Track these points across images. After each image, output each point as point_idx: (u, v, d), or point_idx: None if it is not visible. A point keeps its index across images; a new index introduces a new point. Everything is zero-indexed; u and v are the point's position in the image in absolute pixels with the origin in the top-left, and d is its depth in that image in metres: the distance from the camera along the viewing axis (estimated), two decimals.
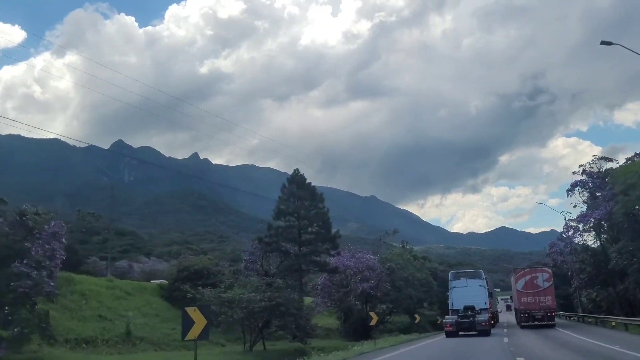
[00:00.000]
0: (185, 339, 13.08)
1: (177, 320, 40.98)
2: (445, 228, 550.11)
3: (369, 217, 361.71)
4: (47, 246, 20.68)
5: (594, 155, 48.95)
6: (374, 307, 48.39)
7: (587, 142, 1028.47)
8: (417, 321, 46.25)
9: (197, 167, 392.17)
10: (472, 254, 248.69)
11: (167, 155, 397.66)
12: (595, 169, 47.52)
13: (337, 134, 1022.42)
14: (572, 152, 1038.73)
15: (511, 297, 63.86)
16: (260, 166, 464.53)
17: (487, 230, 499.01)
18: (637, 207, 40.24)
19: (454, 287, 38.09)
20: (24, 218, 21.98)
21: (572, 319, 60.19)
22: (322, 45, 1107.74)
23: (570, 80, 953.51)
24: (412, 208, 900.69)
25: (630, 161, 44.27)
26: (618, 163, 47.39)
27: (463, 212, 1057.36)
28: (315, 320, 60.99)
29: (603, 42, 26.78)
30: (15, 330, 20.27)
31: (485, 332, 32.84)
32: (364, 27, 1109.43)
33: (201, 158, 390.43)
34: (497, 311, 63.80)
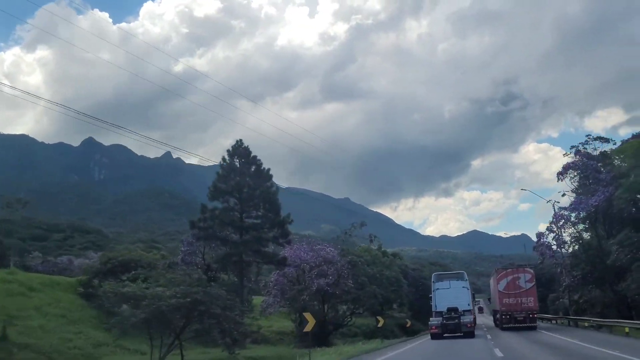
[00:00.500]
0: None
1: (89, 322, 32.82)
2: (418, 231, 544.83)
3: (342, 219, 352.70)
4: None
5: (587, 135, 41.92)
6: (333, 307, 40.54)
7: (558, 148, 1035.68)
8: (380, 324, 38.21)
9: (169, 166, 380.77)
10: (445, 257, 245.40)
11: (138, 154, 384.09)
12: (589, 150, 40.47)
13: (311, 135, 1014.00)
14: (543, 157, 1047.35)
15: (489, 299, 61.81)
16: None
17: (460, 234, 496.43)
18: None
19: (437, 288, 36.96)
20: None
21: (557, 322, 53.43)
22: (298, 46, 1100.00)
23: (542, 87, 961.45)
24: (386, 211, 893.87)
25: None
26: (615, 144, 40.44)
27: (436, 215, 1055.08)
28: (269, 322, 53.01)
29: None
30: None
31: (470, 334, 32.82)
32: (341, 29, 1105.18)
33: (174, 157, 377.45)
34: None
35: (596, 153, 40.31)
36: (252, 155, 35.02)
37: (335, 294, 38.68)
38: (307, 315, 27.49)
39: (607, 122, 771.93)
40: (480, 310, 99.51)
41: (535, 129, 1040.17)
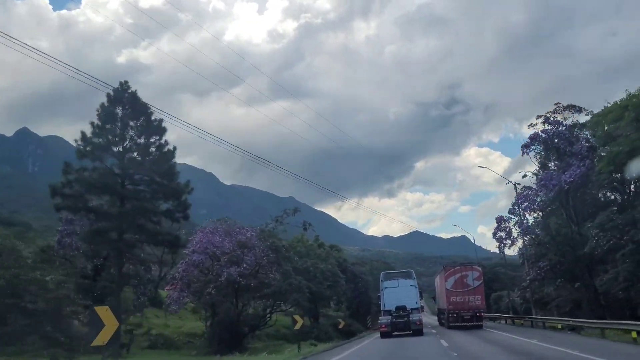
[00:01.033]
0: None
1: None
2: (362, 231, 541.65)
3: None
4: None
5: (556, 104, 34.66)
6: (249, 303, 31.88)
7: (498, 153, 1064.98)
8: (297, 326, 29.74)
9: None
10: (387, 257, 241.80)
11: (75, 146, 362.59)
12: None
13: (258, 133, 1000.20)
14: (483, 161, 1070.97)
15: (433, 298, 59.30)
16: (177, 162, 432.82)
17: (402, 234, 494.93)
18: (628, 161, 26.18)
19: (386, 287, 36.07)
20: None
21: (512, 321, 46.81)
22: (246, 42, 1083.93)
23: (484, 93, 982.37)
24: (330, 210, 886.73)
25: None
26: (589, 114, 33.41)
27: (379, 215, 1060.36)
28: (180, 322, 43.90)
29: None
30: None
31: (419, 332, 32.75)
32: (290, 27, 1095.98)
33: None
34: None
35: (568, 123, 33.21)
36: (140, 102, 25.92)
37: (250, 286, 29.92)
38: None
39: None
40: (422, 309, 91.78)
41: (476, 133, 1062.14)
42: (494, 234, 33.25)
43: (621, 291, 27.80)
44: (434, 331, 34.43)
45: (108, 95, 25.25)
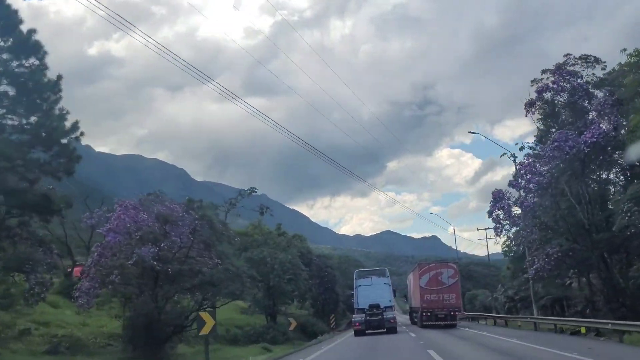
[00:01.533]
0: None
1: None
2: (333, 230, 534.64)
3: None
4: None
5: (566, 55, 27.29)
6: (173, 296, 23.67)
7: (470, 154, 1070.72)
8: (204, 331, 21.44)
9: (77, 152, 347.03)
10: (359, 256, 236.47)
11: None
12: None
13: (231, 129, 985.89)
14: (455, 162, 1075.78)
15: (405, 296, 56.41)
16: (148, 157, 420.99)
17: (373, 234, 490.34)
18: None
19: (359, 285, 35.76)
20: None
21: (494, 321, 40.03)
22: (221, 38, 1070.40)
23: (457, 94, 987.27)
24: (302, 208, 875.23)
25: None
26: (605, 67, 26.19)
27: (351, 214, 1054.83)
28: (101, 321, 35.39)
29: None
30: None
31: (393, 330, 32.27)
32: (266, 23, 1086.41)
33: (83, 144, 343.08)
34: None
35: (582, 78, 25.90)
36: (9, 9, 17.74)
37: (174, 273, 21.84)
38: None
39: (515, 132, 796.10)
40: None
41: (449, 134, 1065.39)
42: (490, 213, 25.75)
43: None
44: (413, 335, 29.81)
45: None
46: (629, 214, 20.58)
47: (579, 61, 26.63)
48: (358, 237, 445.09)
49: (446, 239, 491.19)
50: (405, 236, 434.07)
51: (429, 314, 36.74)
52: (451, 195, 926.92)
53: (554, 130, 28.57)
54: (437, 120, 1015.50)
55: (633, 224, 20.47)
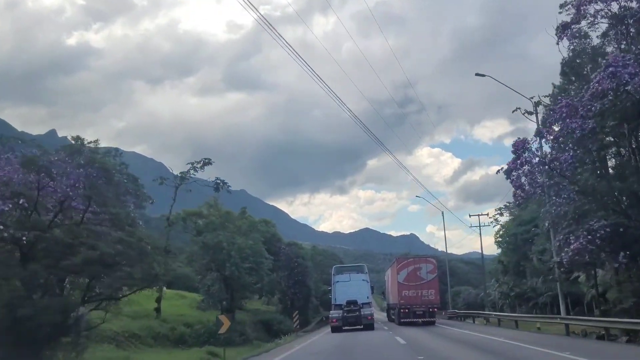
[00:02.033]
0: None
1: None
2: (313, 227, 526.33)
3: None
4: None
5: None
6: (48, 282, 16.13)
7: (449, 154, 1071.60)
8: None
9: (53, 145, 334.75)
10: (337, 253, 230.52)
11: (19, 130, 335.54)
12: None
13: (211, 124, 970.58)
14: (435, 162, 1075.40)
15: (383, 293, 54.12)
16: (126, 150, 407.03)
17: (352, 231, 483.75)
18: None
19: (337, 281, 34.40)
20: None
21: (487, 320, 33.27)
22: (203, 31, 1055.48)
23: (438, 94, 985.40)
24: (282, 205, 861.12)
25: None
26: None
27: (330, 212, 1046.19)
28: None
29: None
30: None
31: (370, 326, 31.56)
32: (248, 18, 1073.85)
33: (59, 136, 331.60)
34: None
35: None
36: None
37: (49, 248, 14.37)
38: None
39: (494, 132, 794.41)
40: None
41: (429, 133, 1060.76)
42: (508, 173, 18.49)
43: None
44: (398, 338, 23.30)
45: None
46: None
47: None
48: (337, 235, 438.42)
49: (424, 237, 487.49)
50: (384, 234, 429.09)
51: (406, 310, 34.93)
52: (430, 194, 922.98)
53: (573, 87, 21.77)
54: (417, 119, 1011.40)
55: None
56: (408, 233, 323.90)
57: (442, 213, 54.32)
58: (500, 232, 46.82)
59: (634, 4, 17.84)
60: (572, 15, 18.61)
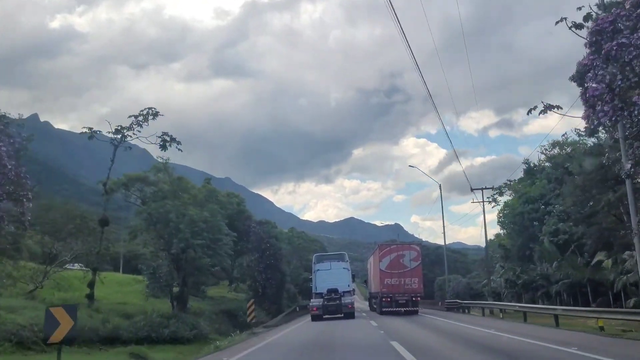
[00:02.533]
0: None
1: None
2: (297, 215, 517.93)
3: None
4: None
5: None
6: None
7: (435, 145, 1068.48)
8: None
9: (35, 129, 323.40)
10: (321, 242, 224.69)
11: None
12: None
13: (196, 111, 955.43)
14: (420, 152, 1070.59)
15: (365, 282, 51.81)
16: (110, 136, 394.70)
17: (337, 220, 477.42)
18: None
19: (318, 269, 33.81)
20: None
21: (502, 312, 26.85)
22: (189, 17, 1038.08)
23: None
24: (267, 193, 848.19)
25: None
26: None
27: (315, 201, 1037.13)
28: None
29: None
30: None
31: (350, 315, 30.72)
32: (235, 4, 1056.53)
33: (41, 120, 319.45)
34: None
35: None
36: None
37: None
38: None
39: (480, 124, 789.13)
40: (353, 292, 75.50)
41: (415, 124, 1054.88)
42: (584, 94, 11.42)
43: None
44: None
45: None
46: None
47: None
48: (322, 223, 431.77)
49: (409, 227, 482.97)
50: (368, 223, 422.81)
51: (389, 299, 33.56)
52: (415, 184, 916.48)
53: None
54: (403, 109, 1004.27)
55: None
56: (392, 223, 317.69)
57: (440, 186, 47.83)
58: (505, 212, 40.14)
59: None
60: None
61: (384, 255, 34.39)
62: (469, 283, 58.19)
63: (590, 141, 31.63)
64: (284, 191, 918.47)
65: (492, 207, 41.56)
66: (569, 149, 35.86)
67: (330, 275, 33.11)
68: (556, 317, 23.74)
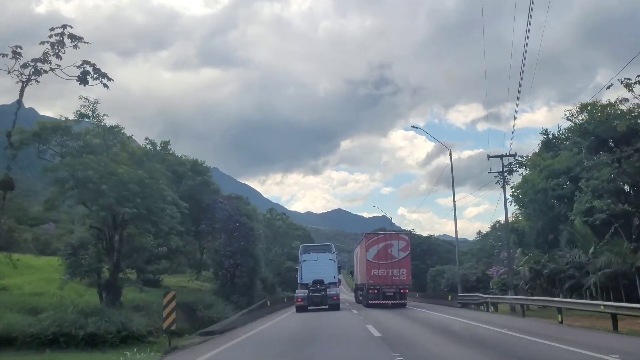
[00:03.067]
0: None
1: None
2: (285, 206, 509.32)
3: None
4: None
5: None
6: None
7: (423, 137, 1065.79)
8: None
9: (19, 115, 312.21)
10: (305, 229, 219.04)
11: None
12: None
13: (184, 99, 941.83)
14: (408, 144, 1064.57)
15: (351, 273, 50.90)
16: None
17: (324, 211, 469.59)
18: None
19: (304, 260, 33.31)
20: None
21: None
22: (177, 4, 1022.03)
23: (413, 76, 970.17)
24: (254, 183, 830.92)
25: None
26: None
27: (303, 192, 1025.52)
28: None
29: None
30: None
31: (336, 306, 30.12)
32: None
33: (26, 107, 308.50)
34: None
35: None
36: None
37: None
38: None
39: (468, 117, 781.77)
40: (339, 282, 71.62)
41: (404, 116, 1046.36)
42: None
43: None
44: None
45: None
46: None
47: None
48: (309, 215, 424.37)
49: (396, 219, 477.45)
50: (356, 215, 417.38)
51: (375, 291, 32.35)
52: (403, 176, 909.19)
53: None
54: (392, 101, 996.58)
55: None
56: (380, 215, 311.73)
57: (450, 151, 40.22)
58: (524, 189, 32.97)
59: None
60: None
61: (371, 244, 32.95)
62: (465, 274, 54.17)
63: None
64: (271, 182, 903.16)
65: (500, 185, 34.51)
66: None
67: (316, 267, 32.37)
68: (614, 317, 17.49)
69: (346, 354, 12.30)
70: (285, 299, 40.00)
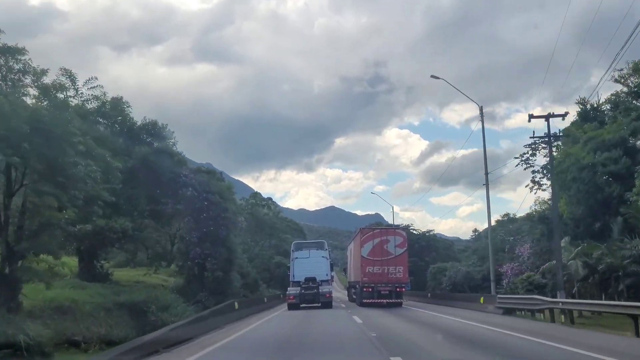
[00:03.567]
0: None
1: None
2: (278, 203, 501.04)
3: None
4: None
5: None
6: None
7: (417, 136, 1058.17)
8: None
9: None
10: (296, 221, 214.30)
11: None
12: None
13: (178, 95, 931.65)
14: (403, 143, 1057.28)
15: (344, 270, 49.67)
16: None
17: (318, 209, 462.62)
18: None
19: (296, 257, 32.83)
20: None
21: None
22: None
23: (408, 74, 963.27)
24: (248, 180, 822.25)
25: None
26: None
27: (297, 189, 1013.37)
28: None
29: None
30: None
31: (328, 305, 29.64)
32: None
33: None
34: None
35: None
36: None
37: None
38: None
39: (462, 116, 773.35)
40: (332, 279, 67.46)
41: (398, 115, 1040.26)
42: None
43: None
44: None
45: None
46: None
47: None
48: (302, 212, 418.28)
49: (390, 217, 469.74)
50: (349, 212, 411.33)
51: (370, 289, 30.25)
52: (397, 174, 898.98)
53: None
54: (386, 99, 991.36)
55: None
56: (373, 213, 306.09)
57: (481, 108, 29.60)
58: (566, 164, 26.03)
59: None
60: None
61: (366, 240, 31.25)
62: (469, 272, 49.79)
63: None
64: (265, 178, 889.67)
65: (523, 167, 27.65)
66: None
67: (309, 264, 31.79)
68: None
69: None
70: (265, 299, 33.67)
